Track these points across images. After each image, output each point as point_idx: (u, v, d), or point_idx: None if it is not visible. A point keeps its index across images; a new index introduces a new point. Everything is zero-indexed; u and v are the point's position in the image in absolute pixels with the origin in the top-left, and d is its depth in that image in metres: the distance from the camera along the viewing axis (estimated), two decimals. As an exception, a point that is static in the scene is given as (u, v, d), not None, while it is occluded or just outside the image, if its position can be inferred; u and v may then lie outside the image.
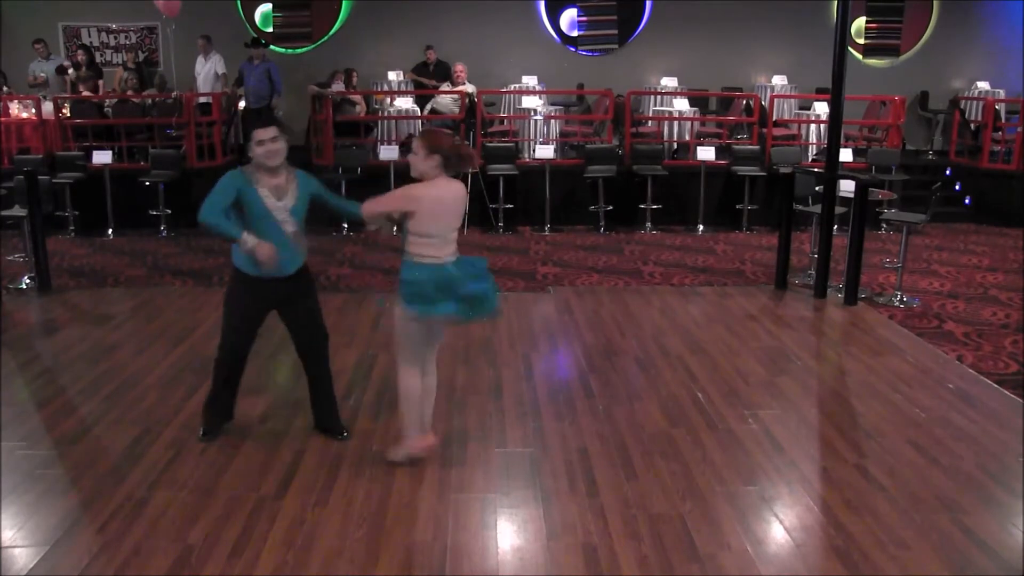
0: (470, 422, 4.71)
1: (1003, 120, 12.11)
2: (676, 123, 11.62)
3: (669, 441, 4.50)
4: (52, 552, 3.48)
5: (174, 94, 11.29)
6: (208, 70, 11.75)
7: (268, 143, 4.01)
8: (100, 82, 11.99)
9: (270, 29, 13.52)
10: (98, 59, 12.79)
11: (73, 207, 10.02)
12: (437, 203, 3.86)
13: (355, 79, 12.13)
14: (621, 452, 4.37)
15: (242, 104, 11.90)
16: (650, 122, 12.21)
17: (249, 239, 3.98)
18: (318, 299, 4.47)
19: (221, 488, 3.98)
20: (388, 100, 11.78)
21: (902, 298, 7.27)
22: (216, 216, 3.95)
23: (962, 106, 12.64)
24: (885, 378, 5.45)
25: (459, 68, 11.70)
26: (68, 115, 11.08)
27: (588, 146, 10.92)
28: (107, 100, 11.70)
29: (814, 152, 11.63)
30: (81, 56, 11.97)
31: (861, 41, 13.84)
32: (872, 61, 13.92)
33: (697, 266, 8.59)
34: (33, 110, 10.91)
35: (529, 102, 11.23)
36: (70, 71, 11.86)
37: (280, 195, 4.09)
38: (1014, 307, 7.18)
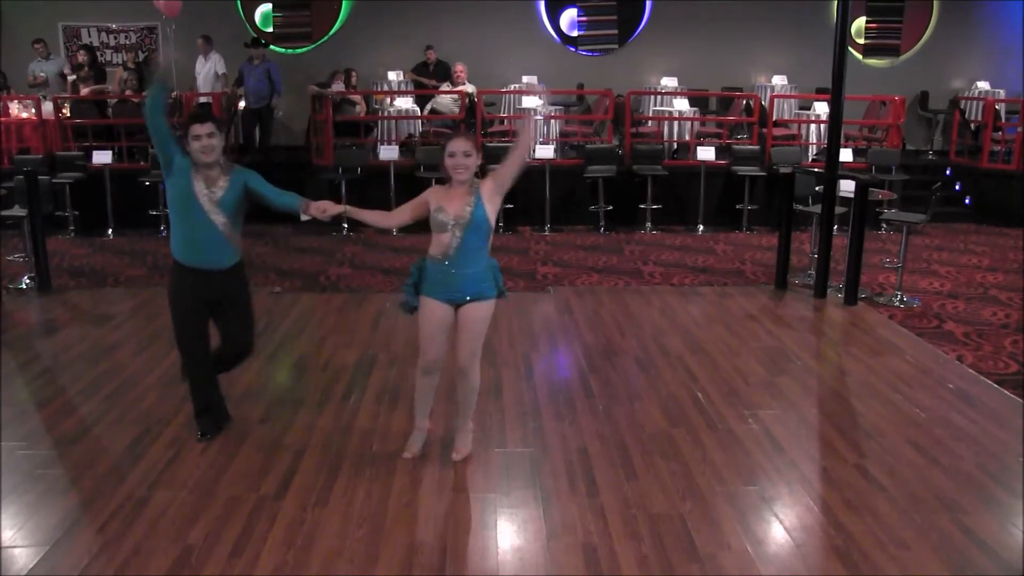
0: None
1: (1003, 120, 12.11)
2: (676, 123, 11.62)
3: (669, 441, 4.50)
4: (52, 552, 3.48)
5: (174, 94, 11.28)
6: (208, 70, 11.76)
7: (204, 138, 4.08)
8: (108, 84, 12.00)
9: (270, 29, 13.52)
10: (98, 59, 12.79)
11: (73, 207, 10.02)
12: None
13: (355, 79, 12.13)
14: (621, 452, 4.36)
15: (242, 104, 11.90)
16: (650, 122, 12.21)
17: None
18: (251, 303, 4.48)
19: (221, 488, 3.98)
20: (388, 100, 11.78)
21: (902, 298, 7.27)
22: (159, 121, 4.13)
23: (962, 106, 12.64)
24: (885, 378, 5.45)
25: (459, 68, 11.70)
26: (68, 115, 11.08)
27: (588, 146, 10.92)
28: (108, 100, 11.70)
29: (814, 152, 11.62)
30: (83, 56, 11.97)
31: (861, 41, 13.84)
32: (872, 61, 13.92)
33: (697, 266, 8.58)
34: (33, 110, 10.91)
35: (529, 102, 11.23)
36: (70, 77, 11.86)
37: (209, 184, 4.12)
38: (1014, 307, 7.18)
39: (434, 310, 4.01)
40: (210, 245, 4.16)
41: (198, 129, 4.06)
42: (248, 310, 4.44)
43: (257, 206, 4.32)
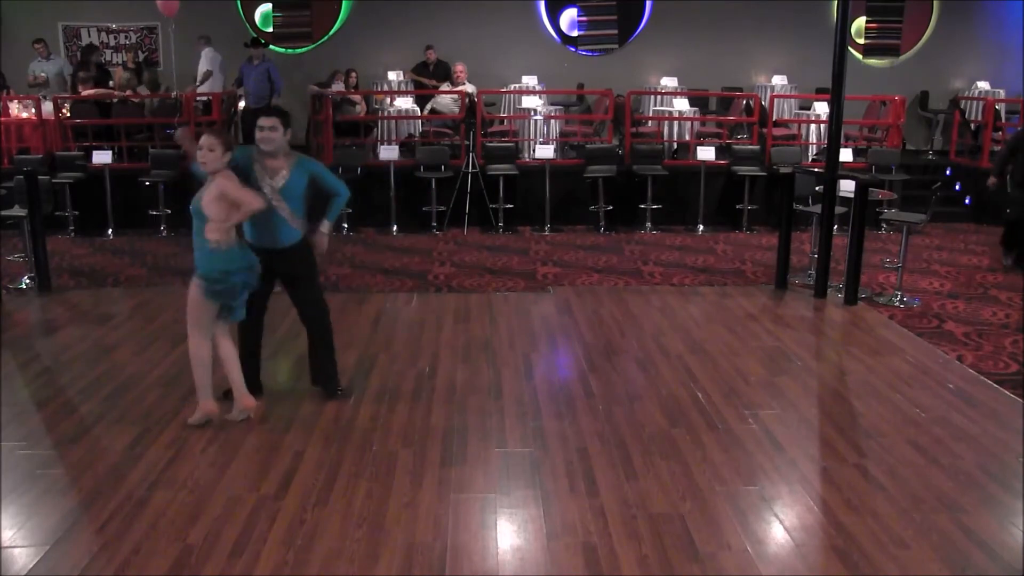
0: (470, 422, 4.71)
1: (1003, 120, 12.11)
2: (676, 123, 11.62)
3: (669, 441, 4.50)
4: (52, 552, 3.48)
5: (174, 94, 11.28)
6: (202, 69, 11.75)
7: (267, 130, 4.60)
8: (118, 83, 12.01)
9: (270, 29, 13.52)
10: (99, 60, 12.78)
11: (73, 207, 10.02)
12: None
13: (355, 79, 12.13)
14: (621, 452, 4.36)
15: (242, 104, 11.89)
16: (650, 122, 12.21)
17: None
18: (317, 276, 5.07)
19: (221, 488, 3.98)
20: (388, 100, 11.78)
21: (902, 298, 7.27)
22: None
23: (962, 106, 12.64)
24: (885, 378, 5.45)
25: (459, 68, 11.70)
26: (68, 115, 11.08)
27: (588, 146, 10.92)
28: (109, 99, 11.70)
29: (814, 152, 11.62)
30: (89, 60, 11.98)
31: (861, 41, 13.84)
32: (872, 61, 13.92)
33: (697, 266, 8.58)
34: (33, 110, 10.91)
35: (529, 102, 11.23)
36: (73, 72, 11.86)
37: (272, 175, 4.63)
38: (1014, 307, 7.18)
39: None
40: (273, 227, 4.66)
41: (263, 121, 4.61)
42: (312, 283, 5.01)
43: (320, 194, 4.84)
